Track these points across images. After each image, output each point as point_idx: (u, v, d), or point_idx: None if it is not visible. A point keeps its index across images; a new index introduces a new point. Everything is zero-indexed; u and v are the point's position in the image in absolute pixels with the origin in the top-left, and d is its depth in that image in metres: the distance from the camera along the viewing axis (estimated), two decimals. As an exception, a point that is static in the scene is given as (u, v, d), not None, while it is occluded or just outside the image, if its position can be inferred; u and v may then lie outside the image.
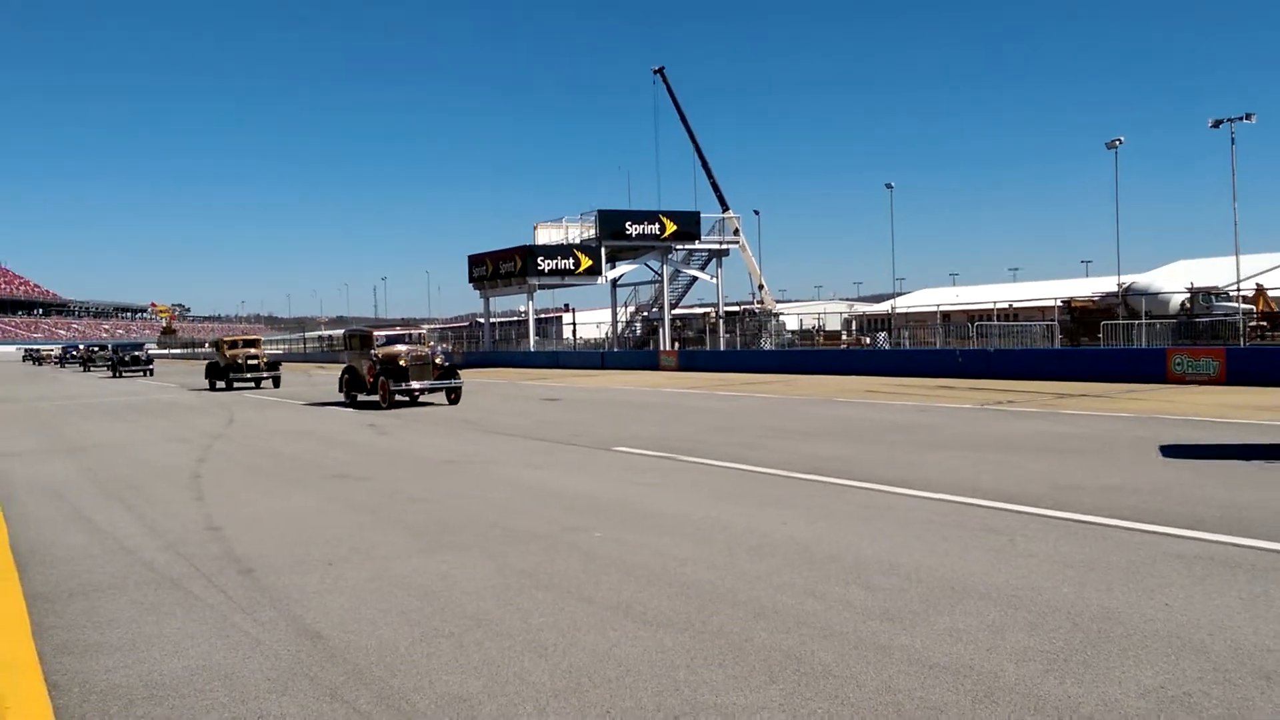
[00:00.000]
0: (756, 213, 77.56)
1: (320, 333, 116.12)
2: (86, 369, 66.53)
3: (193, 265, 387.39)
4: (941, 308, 47.47)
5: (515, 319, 75.98)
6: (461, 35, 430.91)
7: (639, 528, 7.33)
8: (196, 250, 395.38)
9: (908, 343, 44.25)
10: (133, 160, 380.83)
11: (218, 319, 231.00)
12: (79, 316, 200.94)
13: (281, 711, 3.96)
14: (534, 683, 4.17)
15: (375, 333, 23.25)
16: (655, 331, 53.27)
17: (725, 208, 57.96)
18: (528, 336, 54.79)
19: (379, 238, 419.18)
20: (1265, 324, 37.63)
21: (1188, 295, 39.15)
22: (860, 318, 67.98)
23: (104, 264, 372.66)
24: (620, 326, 57.95)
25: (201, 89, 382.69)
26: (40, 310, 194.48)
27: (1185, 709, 3.68)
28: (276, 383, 31.56)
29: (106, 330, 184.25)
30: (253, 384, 31.59)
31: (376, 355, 21.11)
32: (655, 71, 61.06)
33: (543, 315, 72.12)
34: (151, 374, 48.19)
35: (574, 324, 65.09)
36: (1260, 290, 40.38)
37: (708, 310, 58.30)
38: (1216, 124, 42.46)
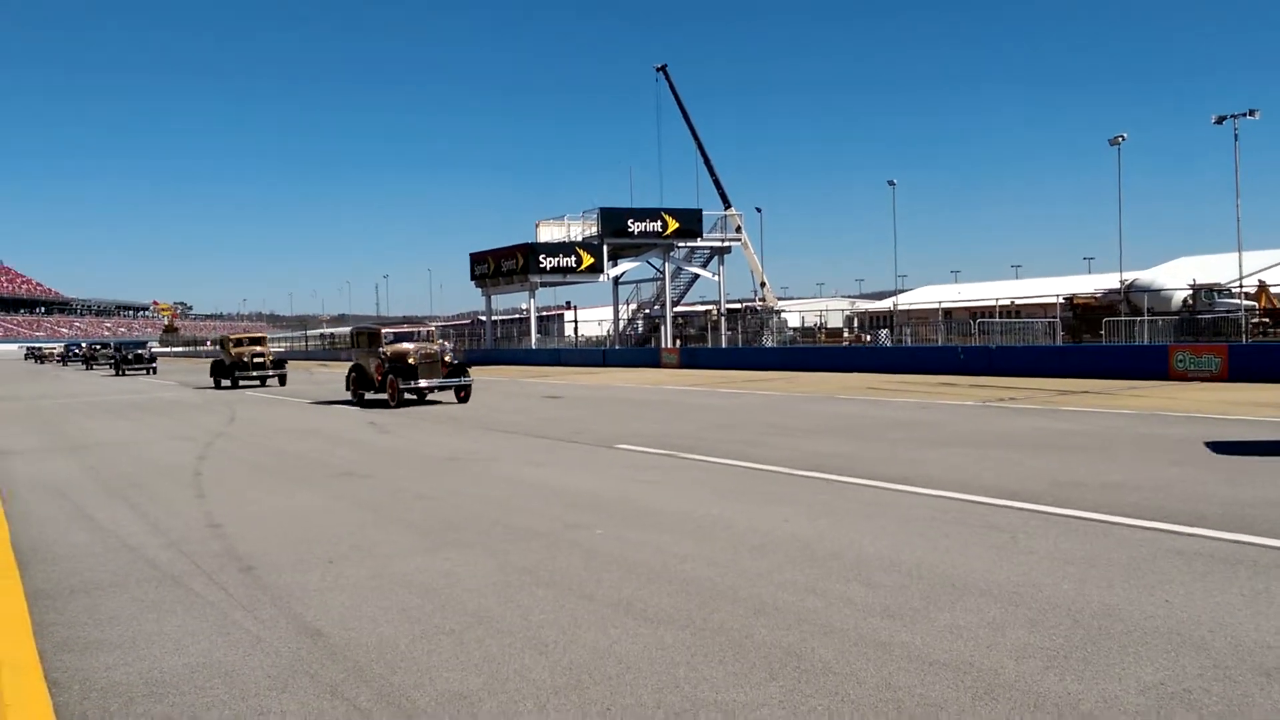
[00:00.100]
0: (759, 210, 77.84)
1: (322, 331, 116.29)
2: (89, 367, 66.60)
3: (194, 264, 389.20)
4: (943, 305, 47.32)
5: (517, 317, 75.96)
6: (461, 35, 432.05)
7: (640, 525, 7.33)
8: (198, 249, 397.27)
9: (909, 340, 44.14)
10: (134, 159, 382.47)
11: (220, 317, 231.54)
12: (81, 315, 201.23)
13: (282, 709, 3.96)
14: (534, 680, 4.18)
15: (383, 330, 22.56)
16: (657, 329, 53.25)
17: (727, 205, 57.96)
18: (529, 334, 54.87)
19: (380, 236, 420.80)
20: (1267, 321, 37.63)
21: (1190, 292, 39.10)
22: (862, 315, 67.92)
23: (106, 262, 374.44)
24: (622, 324, 57.93)
25: (201, 89, 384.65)
26: (42, 309, 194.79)
27: (1185, 705, 3.68)
28: (283, 380, 31.55)
29: (108, 328, 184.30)
30: (259, 382, 31.60)
31: (385, 353, 20.71)
32: (658, 69, 61.17)
33: (544, 313, 72.10)
34: (155, 372, 48.23)
35: (576, 322, 65.20)
36: (1263, 287, 40.37)
37: (709, 308, 58.31)
38: (1220, 120, 42.48)
